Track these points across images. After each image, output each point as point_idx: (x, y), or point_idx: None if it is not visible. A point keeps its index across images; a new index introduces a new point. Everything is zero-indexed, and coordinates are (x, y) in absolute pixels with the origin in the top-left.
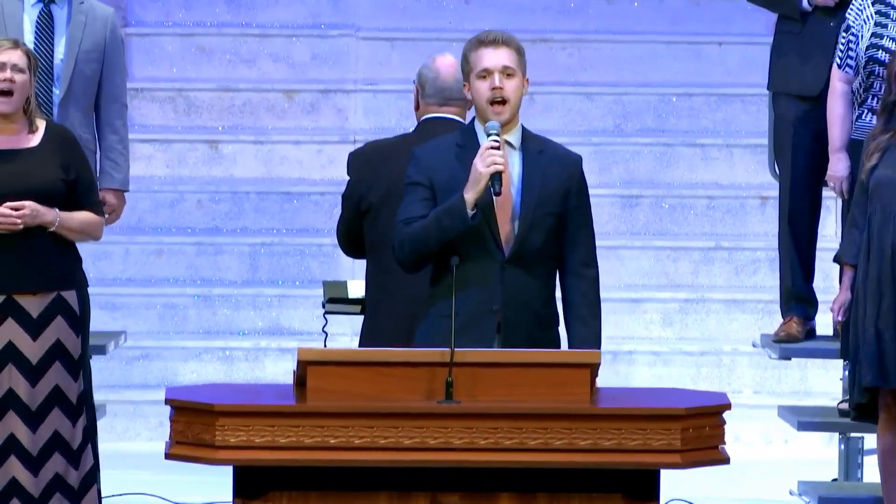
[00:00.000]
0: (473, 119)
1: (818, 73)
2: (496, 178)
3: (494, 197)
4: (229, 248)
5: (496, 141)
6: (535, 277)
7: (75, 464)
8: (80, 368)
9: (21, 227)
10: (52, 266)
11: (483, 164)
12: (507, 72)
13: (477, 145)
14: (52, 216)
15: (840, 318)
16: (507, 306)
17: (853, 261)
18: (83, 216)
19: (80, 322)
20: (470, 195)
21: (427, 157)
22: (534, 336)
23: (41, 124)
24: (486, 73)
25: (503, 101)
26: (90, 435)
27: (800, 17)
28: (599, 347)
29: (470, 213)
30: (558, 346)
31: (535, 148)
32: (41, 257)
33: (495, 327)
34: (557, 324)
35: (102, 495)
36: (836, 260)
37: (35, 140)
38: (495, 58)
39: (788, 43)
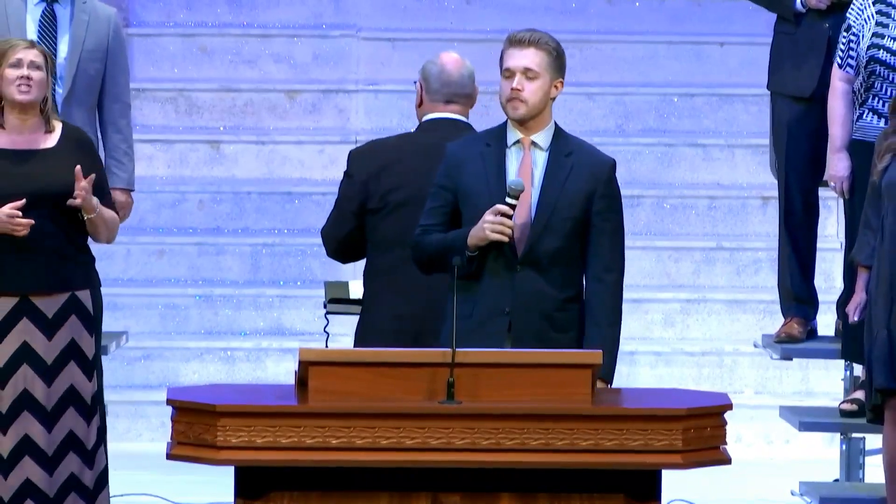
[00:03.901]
0: (506, 121)
1: (812, 74)
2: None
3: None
4: (231, 248)
5: (510, 206)
6: (550, 280)
7: (90, 463)
8: (94, 368)
9: (25, 232)
10: (67, 266)
11: (490, 229)
12: (528, 74)
13: (504, 147)
14: (96, 202)
15: (856, 319)
16: (517, 308)
17: (867, 261)
18: (111, 213)
19: (93, 322)
20: (472, 241)
21: (456, 158)
22: (546, 339)
23: (57, 126)
24: (508, 73)
25: (520, 101)
26: (103, 434)
27: (794, 19)
28: (614, 353)
29: (469, 254)
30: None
31: (563, 150)
32: (55, 258)
33: (506, 328)
34: (580, 326)
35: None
36: (850, 261)
37: (51, 141)
38: (518, 59)
39: (784, 44)
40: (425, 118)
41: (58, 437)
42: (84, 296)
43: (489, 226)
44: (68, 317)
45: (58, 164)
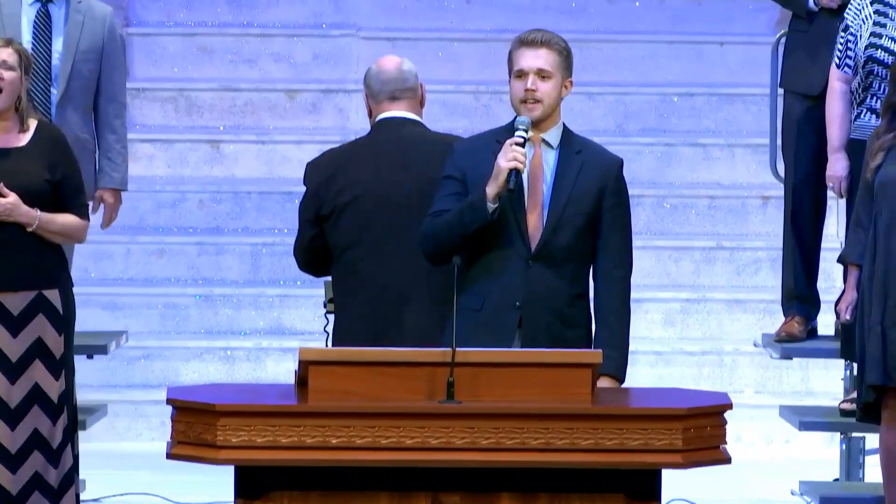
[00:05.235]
0: (514, 118)
1: (823, 73)
2: (514, 173)
3: (526, 193)
4: (231, 247)
5: (521, 137)
6: (561, 275)
7: (55, 463)
8: (62, 367)
9: None
10: (35, 265)
11: (504, 160)
12: (541, 74)
13: None
14: (28, 218)
15: (848, 318)
16: (528, 302)
17: (858, 260)
18: (65, 219)
19: (63, 321)
20: (491, 189)
21: (463, 152)
22: (556, 334)
23: (32, 124)
24: (521, 74)
25: (535, 101)
26: (70, 434)
27: (806, 17)
28: (624, 350)
29: (491, 207)
30: (584, 346)
31: (573, 148)
32: (23, 256)
33: (516, 322)
34: (587, 323)
35: (104, 495)
36: (840, 260)
37: (24, 140)
38: (531, 59)
39: (798, 42)
40: (376, 120)
41: (21, 435)
42: (52, 295)
43: (502, 157)
44: (35, 315)
45: (26, 163)
